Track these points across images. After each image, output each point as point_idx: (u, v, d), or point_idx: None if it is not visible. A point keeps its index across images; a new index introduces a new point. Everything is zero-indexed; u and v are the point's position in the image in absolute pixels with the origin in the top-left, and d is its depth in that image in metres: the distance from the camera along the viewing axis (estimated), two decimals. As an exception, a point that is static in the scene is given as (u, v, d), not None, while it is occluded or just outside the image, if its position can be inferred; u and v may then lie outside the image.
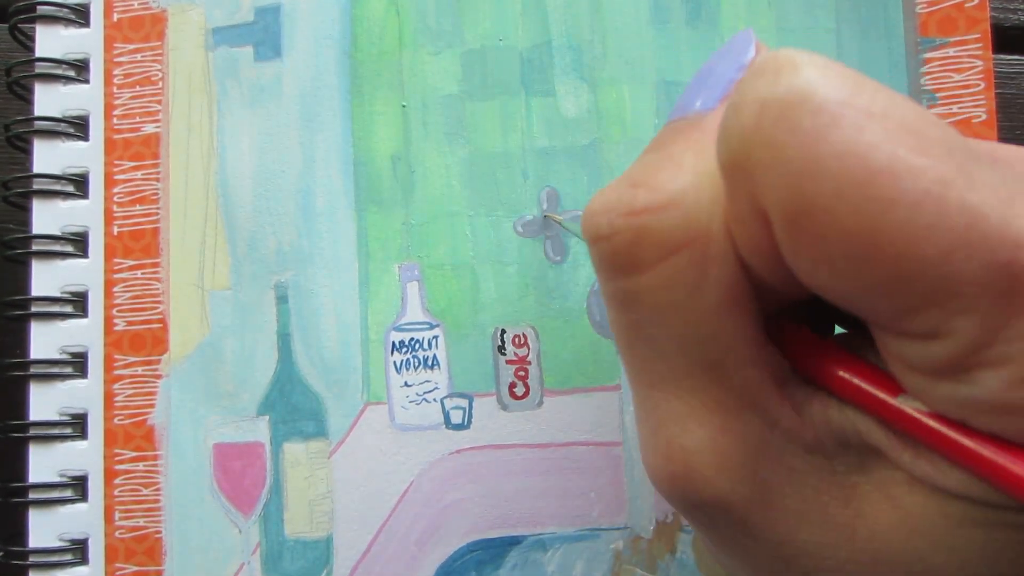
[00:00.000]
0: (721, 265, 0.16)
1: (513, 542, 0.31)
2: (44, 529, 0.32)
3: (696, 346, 0.17)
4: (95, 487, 0.32)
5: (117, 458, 0.32)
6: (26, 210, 0.33)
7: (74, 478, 0.32)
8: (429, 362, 0.32)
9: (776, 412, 0.17)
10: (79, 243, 0.33)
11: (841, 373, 0.17)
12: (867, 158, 0.14)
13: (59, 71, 0.34)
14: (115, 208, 0.33)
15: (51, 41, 0.34)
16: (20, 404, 0.32)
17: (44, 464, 0.32)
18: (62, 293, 0.33)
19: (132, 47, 0.34)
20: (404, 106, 0.33)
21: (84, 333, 0.33)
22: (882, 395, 0.16)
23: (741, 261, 0.17)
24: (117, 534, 0.32)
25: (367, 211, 0.33)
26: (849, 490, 0.17)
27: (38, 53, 0.33)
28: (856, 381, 0.17)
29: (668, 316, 0.17)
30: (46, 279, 0.33)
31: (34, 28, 0.34)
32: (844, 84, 0.14)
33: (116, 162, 0.33)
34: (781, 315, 0.18)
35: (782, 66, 0.15)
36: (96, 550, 0.32)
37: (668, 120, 0.19)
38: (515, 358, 0.32)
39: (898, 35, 0.31)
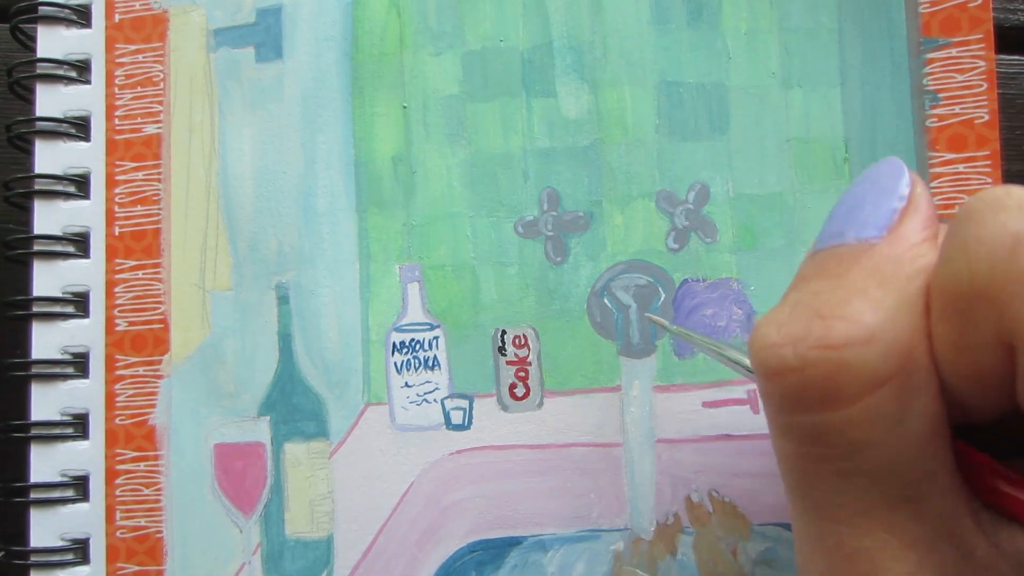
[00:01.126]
0: (925, 395, 0.16)
1: (513, 543, 0.31)
2: (45, 529, 0.32)
3: (895, 479, 0.16)
4: (96, 487, 0.32)
5: (118, 458, 0.32)
6: (27, 210, 0.33)
7: (75, 478, 0.32)
8: (430, 363, 0.32)
9: (972, 542, 0.16)
10: (80, 243, 0.33)
11: None
12: None
13: (60, 72, 0.34)
14: (116, 208, 0.33)
15: (52, 42, 0.34)
16: (22, 404, 0.32)
17: (45, 464, 0.32)
18: (63, 293, 0.33)
19: (133, 48, 0.34)
20: (405, 107, 0.33)
21: (85, 333, 0.33)
22: None
23: (941, 389, 0.16)
24: (118, 534, 0.32)
25: (368, 212, 0.33)
26: None
27: (39, 54, 0.34)
28: None
29: (866, 451, 0.16)
30: (47, 279, 0.33)
31: (35, 28, 0.34)
32: None
33: (117, 163, 0.33)
34: (957, 441, 0.18)
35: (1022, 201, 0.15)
36: (97, 550, 0.32)
37: (817, 248, 0.18)
38: (515, 359, 0.32)
39: (900, 35, 0.31)
